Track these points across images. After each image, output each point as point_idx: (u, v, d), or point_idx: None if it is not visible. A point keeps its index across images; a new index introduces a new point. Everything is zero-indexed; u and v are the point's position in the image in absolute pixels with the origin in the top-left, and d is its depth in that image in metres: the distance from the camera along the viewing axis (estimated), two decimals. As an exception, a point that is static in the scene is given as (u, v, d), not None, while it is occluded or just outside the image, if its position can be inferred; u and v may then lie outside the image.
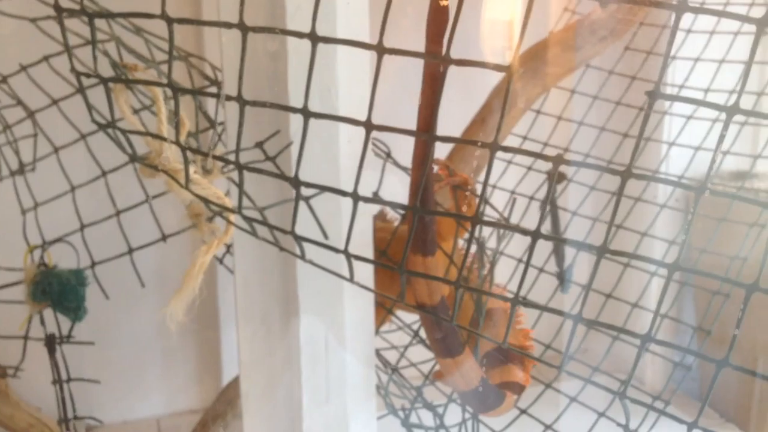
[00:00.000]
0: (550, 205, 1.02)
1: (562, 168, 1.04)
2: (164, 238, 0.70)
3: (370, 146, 0.44)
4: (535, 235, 0.35)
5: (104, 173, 0.75)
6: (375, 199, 0.38)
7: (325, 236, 0.47)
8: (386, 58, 0.34)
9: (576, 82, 1.08)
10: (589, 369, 0.88)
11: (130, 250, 0.75)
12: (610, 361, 1.09)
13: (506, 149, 0.36)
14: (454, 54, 0.34)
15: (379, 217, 0.86)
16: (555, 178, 1.01)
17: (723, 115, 0.31)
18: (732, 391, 1.55)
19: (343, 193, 0.37)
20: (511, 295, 0.37)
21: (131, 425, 1.68)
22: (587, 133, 1.07)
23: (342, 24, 0.50)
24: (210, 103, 0.69)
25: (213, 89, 0.62)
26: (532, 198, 1.01)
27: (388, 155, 0.80)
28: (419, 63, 0.38)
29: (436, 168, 0.69)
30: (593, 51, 0.91)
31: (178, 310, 0.49)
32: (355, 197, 0.37)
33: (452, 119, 0.70)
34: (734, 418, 1.59)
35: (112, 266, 0.82)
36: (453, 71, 0.34)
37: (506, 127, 0.97)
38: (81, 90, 0.42)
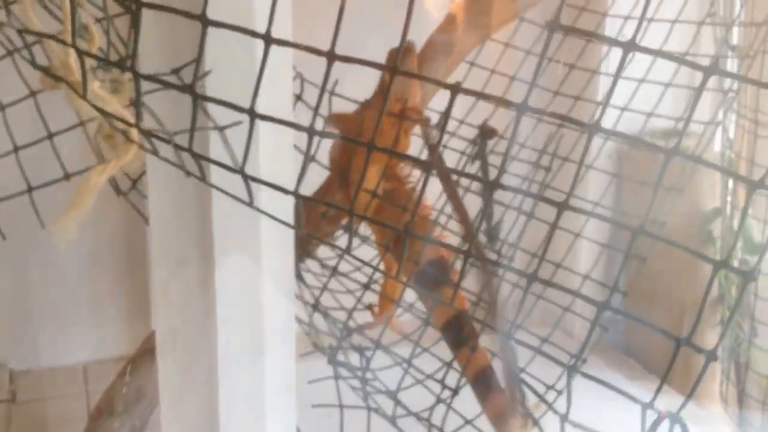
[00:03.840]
0: (480, 161, 1.02)
1: (494, 123, 1.04)
2: (67, 177, 0.68)
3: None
4: (494, 185, 0.35)
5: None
6: (271, 117, 0.36)
7: (235, 161, 0.45)
8: None
9: (510, 35, 1.07)
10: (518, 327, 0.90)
11: (30, 189, 0.72)
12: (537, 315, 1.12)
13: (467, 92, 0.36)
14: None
15: None
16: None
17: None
18: (654, 343, 1.61)
19: (240, 109, 0.35)
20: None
21: (57, 371, 1.64)
22: (522, 88, 1.07)
23: None
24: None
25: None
26: (463, 153, 1.01)
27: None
28: None
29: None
30: (528, 1, 0.90)
31: (68, 228, 0.46)
32: (252, 114, 0.35)
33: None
34: (656, 370, 1.66)
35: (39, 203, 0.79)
36: None
37: (444, 74, 0.96)
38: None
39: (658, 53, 0.34)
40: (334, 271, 0.78)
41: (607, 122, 1.14)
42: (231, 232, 0.54)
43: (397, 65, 0.74)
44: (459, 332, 0.73)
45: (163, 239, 0.55)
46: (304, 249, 0.86)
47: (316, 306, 0.78)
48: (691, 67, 0.37)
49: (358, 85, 0.83)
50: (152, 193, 0.56)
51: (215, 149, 0.49)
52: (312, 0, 1.08)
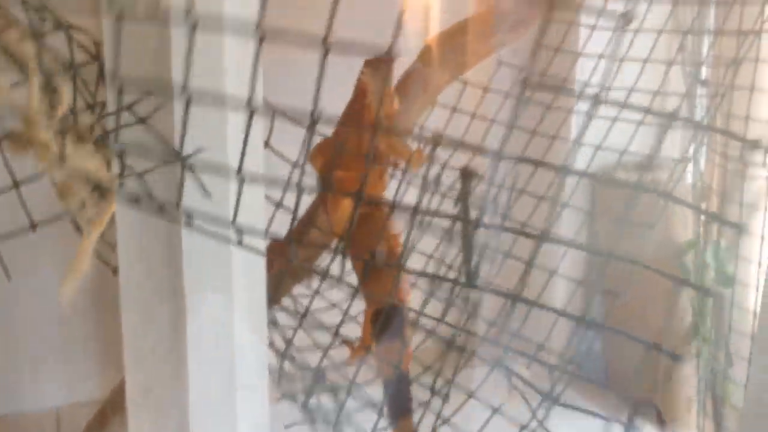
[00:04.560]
0: (462, 203, 1.03)
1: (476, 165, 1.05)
2: (33, 227, 0.67)
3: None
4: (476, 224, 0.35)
5: None
6: (260, 177, 0.36)
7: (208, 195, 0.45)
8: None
9: (489, 78, 1.09)
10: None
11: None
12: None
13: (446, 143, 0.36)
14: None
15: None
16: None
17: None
18: (635, 377, 1.61)
19: (229, 173, 0.35)
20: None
21: (29, 417, 1.61)
22: (500, 130, 1.09)
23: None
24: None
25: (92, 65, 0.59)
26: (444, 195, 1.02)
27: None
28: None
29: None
30: (503, 40, 0.92)
31: (69, 292, 0.46)
32: (241, 176, 0.35)
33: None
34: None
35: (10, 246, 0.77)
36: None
37: (415, 113, 0.97)
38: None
39: (622, 105, 0.35)
40: (305, 314, 0.77)
41: (583, 157, 1.16)
42: (202, 280, 0.53)
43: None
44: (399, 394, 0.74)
45: (132, 289, 0.54)
46: (272, 296, 0.86)
47: (284, 355, 0.77)
48: (655, 115, 0.38)
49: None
50: (121, 244, 0.55)
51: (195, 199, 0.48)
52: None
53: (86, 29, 0.55)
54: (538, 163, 0.43)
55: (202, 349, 0.56)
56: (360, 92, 0.82)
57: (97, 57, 0.56)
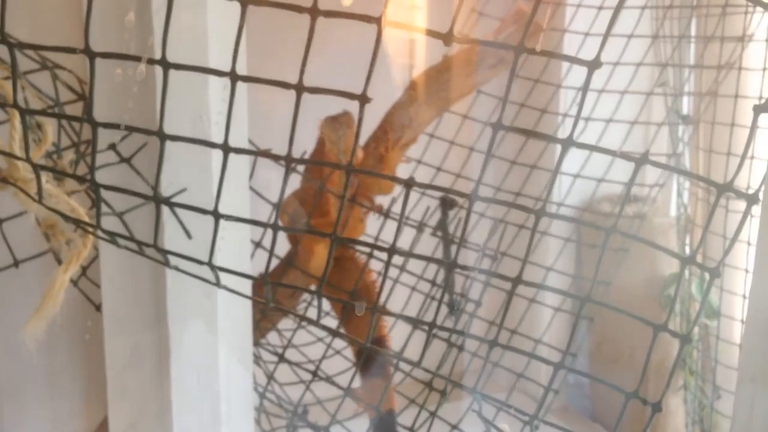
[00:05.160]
0: (442, 232, 1.03)
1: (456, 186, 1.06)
2: (16, 263, 0.67)
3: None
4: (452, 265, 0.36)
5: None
6: (234, 217, 0.37)
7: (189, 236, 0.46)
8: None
9: (468, 107, 1.10)
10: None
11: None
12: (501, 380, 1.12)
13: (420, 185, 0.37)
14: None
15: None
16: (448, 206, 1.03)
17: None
18: (621, 409, 1.61)
19: (205, 212, 0.36)
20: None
21: (12, 454, 1.58)
22: (480, 158, 1.10)
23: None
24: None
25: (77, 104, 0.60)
26: (422, 223, 1.02)
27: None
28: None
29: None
30: (484, 77, 0.93)
31: (38, 329, 0.46)
32: (216, 215, 0.36)
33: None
34: (623, 436, 1.65)
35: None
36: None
37: (404, 145, 0.98)
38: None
39: (594, 149, 0.36)
40: (284, 352, 0.78)
41: (562, 188, 1.17)
42: (187, 314, 0.54)
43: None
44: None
45: (116, 323, 0.54)
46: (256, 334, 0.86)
47: (263, 394, 0.77)
48: (625, 158, 0.39)
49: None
50: (105, 278, 0.55)
51: (174, 240, 0.49)
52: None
53: (71, 69, 0.56)
54: (511, 205, 0.44)
55: (186, 385, 0.56)
56: (320, 145, 0.84)
57: (82, 96, 0.57)
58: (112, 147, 0.47)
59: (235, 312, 0.55)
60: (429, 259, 0.40)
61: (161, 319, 0.53)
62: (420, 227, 0.97)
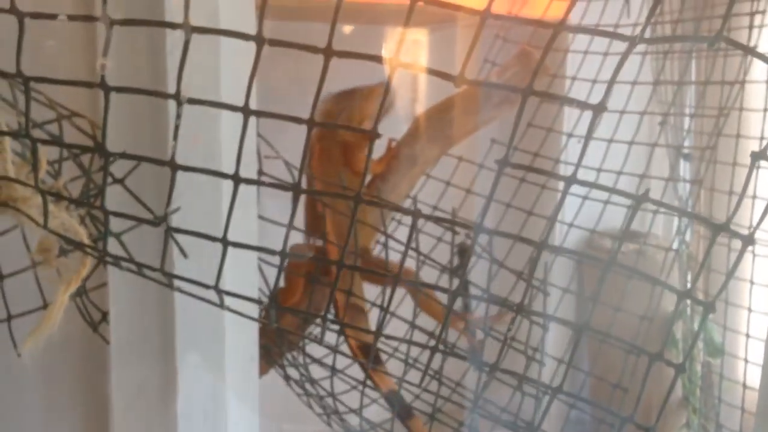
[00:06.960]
0: (460, 280, 1.04)
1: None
2: (1, 278, 0.67)
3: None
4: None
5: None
6: (245, 245, 0.38)
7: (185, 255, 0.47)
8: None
9: (483, 156, 1.12)
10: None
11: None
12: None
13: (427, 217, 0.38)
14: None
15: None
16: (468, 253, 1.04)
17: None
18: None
19: (213, 239, 0.37)
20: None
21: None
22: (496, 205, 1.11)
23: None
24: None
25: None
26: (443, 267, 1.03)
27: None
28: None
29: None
30: (489, 116, 0.95)
31: (33, 343, 0.46)
32: (225, 242, 0.37)
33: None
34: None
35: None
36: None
37: (405, 188, 0.99)
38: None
39: (594, 185, 0.37)
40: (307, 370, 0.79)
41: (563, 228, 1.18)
42: (194, 354, 0.54)
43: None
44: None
45: (124, 362, 0.55)
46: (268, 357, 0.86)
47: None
48: (625, 196, 0.40)
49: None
50: (114, 306, 0.56)
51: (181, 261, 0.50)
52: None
53: (83, 114, 0.56)
54: (515, 238, 0.45)
55: (193, 420, 0.56)
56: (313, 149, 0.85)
57: (95, 139, 0.57)
58: (121, 182, 0.48)
59: (242, 351, 0.56)
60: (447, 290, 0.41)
61: (169, 358, 0.54)
62: (443, 270, 0.98)
